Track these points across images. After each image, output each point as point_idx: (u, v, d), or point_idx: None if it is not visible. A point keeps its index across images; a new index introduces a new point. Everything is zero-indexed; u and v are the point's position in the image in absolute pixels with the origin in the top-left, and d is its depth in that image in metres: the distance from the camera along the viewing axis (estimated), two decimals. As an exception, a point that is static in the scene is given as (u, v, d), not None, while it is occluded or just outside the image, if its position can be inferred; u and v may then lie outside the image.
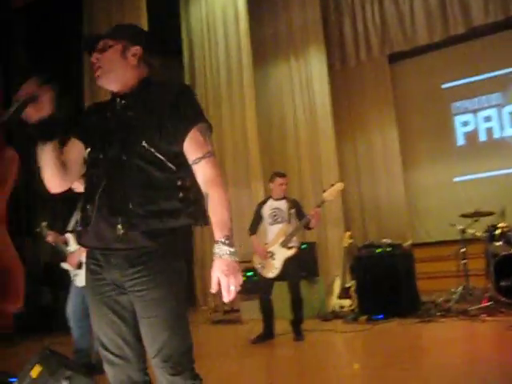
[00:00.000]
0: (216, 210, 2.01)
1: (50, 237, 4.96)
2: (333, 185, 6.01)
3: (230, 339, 6.73)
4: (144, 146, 2.00)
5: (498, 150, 9.71)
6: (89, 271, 2.12)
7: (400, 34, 10.08)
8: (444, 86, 10.38)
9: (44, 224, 5.00)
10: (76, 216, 4.82)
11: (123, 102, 2.11)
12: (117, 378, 2.07)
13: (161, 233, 1.99)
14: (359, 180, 10.61)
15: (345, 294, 7.29)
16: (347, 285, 7.33)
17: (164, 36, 9.67)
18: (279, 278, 6.04)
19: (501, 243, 6.86)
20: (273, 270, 5.96)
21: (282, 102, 10.36)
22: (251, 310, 7.50)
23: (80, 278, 4.69)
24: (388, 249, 6.95)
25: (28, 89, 1.96)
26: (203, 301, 9.85)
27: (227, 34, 9.85)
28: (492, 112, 10.08)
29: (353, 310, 7.09)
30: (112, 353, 2.06)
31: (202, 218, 2.09)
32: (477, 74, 9.96)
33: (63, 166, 2.10)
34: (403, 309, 6.54)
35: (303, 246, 7.51)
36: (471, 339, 5.47)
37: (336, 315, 7.14)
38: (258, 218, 6.28)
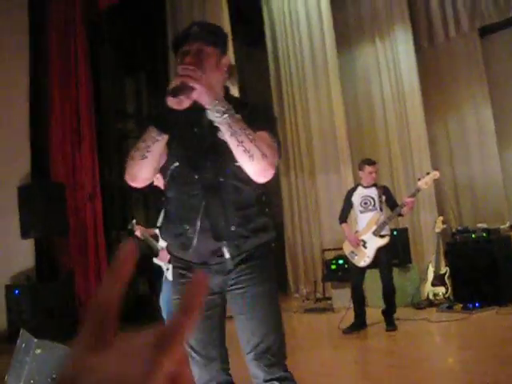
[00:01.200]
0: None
1: (138, 231, 5.11)
2: (428, 173, 5.82)
3: (321, 328, 6.72)
4: (237, 166, 1.95)
5: None
6: (177, 275, 2.18)
7: (491, 4, 9.60)
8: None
9: (134, 221, 5.17)
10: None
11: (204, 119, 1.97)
12: (202, 377, 2.10)
13: (259, 246, 2.09)
14: (452, 161, 10.24)
15: (439, 281, 7.08)
16: (441, 272, 7.12)
17: (246, 26, 9.74)
18: (371, 266, 5.96)
19: None
20: (365, 258, 5.87)
21: (369, 85, 10.14)
22: (343, 297, 7.45)
23: (171, 272, 4.82)
24: (484, 234, 6.68)
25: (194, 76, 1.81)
26: (295, 289, 9.89)
27: (309, 18, 9.72)
28: None
29: (447, 298, 6.90)
30: (198, 353, 2.08)
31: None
32: None
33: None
34: (502, 297, 6.28)
35: (395, 233, 7.36)
36: None
37: (430, 303, 6.96)
38: (348, 206, 6.19)
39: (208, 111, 1.84)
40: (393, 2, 9.84)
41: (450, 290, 6.93)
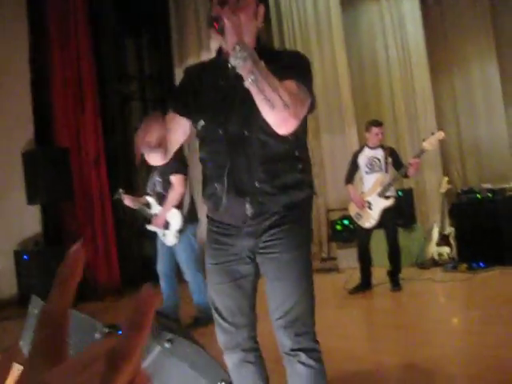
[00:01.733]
0: None
1: (127, 200, 5.11)
2: (433, 133, 5.76)
3: (327, 289, 6.77)
4: (265, 119, 1.82)
5: None
6: (211, 239, 2.12)
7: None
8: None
9: (121, 190, 5.15)
10: (153, 178, 4.97)
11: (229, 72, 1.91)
12: (227, 343, 2.10)
13: (290, 205, 2.00)
14: (458, 120, 10.15)
15: (444, 241, 7.12)
16: (446, 232, 7.15)
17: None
18: (376, 226, 5.98)
19: None
20: (370, 219, 5.89)
21: (374, 43, 9.99)
22: (348, 258, 7.52)
23: (169, 238, 4.86)
24: (489, 194, 6.68)
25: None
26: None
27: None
28: None
29: (452, 258, 6.94)
30: (225, 319, 2.08)
31: (314, 187, 2.13)
32: None
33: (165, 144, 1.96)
34: (506, 256, 6.31)
35: (400, 193, 7.36)
36: None
37: (435, 263, 7.02)
38: (354, 167, 6.16)
39: (230, 56, 1.72)
40: (398, -44, 9.63)
41: (454, 250, 6.97)
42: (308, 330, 2.01)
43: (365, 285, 6.02)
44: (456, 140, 10.06)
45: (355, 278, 6.11)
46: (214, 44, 2.02)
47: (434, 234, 7.22)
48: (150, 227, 5.05)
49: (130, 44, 9.81)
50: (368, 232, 6.02)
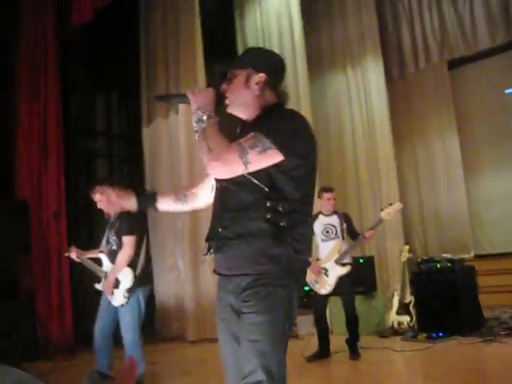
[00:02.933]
0: None
1: (73, 254, 4.97)
2: (391, 204, 5.85)
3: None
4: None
5: None
6: (217, 297, 2.22)
7: (460, 38, 9.84)
8: (507, 91, 10.01)
9: (72, 246, 5.04)
10: (108, 236, 4.87)
11: (238, 130, 2.24)
12: None
13: (259, 260, 2.01)
14: (419, 190, 10.34)
15: (404, 309, 7.11)
16: (406, 300, 7.15)
17: (219, 45, 9.75)
18: (333, 293, 5.95)
19: None
20: (326, 286, 5.88)
21: (340, 112, 10.22)
22: (308, 324, 7.42)
23: (117, 297, 4.68)
24: (448, 264, 6.74)
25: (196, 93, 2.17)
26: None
27: (282, 42, 9.75)
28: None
29: (412, 327, 6.92)
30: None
31: (306, 249, 2.12)
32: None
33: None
34: (465, 327, 6.33)
35: (361, 260, 7.38)
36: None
37: (394, 332, 6.97)
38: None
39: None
40: (365, 31, 9.96)
41: (414, 319, 6.95)
42: None
43: (323, 353, 5.92)
44: (418, 209, 10.22)
45: (314, 344, 6.01)
46: None
47: (395, 302, 7.21)
48: (98, 286, 4.88)
49: (100, 100, 9.84)
50: (324, 299, 6.00)
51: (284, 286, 2.02)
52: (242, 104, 2.19)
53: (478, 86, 10.25)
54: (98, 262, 4.96)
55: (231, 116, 2.27)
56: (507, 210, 9.43)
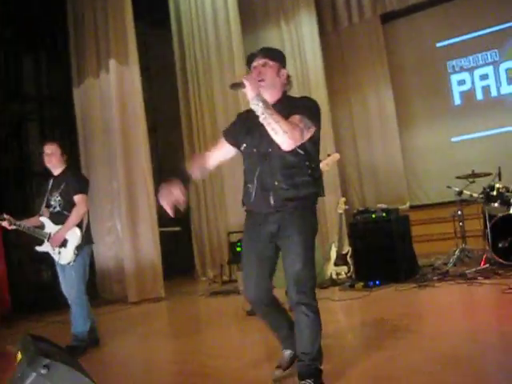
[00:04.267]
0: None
1: (6, 222, 4.82)
2: (329, 155, 5.88)
3: (228, 311, 6.69)
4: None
5: (495, 109, 9.57)
6: (246, 227, 3.18)
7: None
8: (438, 44, 10.20)
9: (5, 215, 4.88)
10: (52, 198, 4.79)
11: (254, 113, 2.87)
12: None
13: (299, 198, 2.98)
14: (355, 143, 10.49)
15: (341, 260, 7.24)
16: (344, 251, 7.28)
17: (151, 5, 9.50)
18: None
19: (497, 204, 6.80)
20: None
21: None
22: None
23: (65, 256, 4.71)
24: (383, 214, 6.87)
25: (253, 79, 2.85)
26: (202, 272, 9.85)
27: (215, -1, 9.61)
28: (488, 70, 9.91)
29: (350, 277, 7.07)
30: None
31: (323, 189, 3.18)
32: (472, 31, 9.75)
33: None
34: (400, 274, 6.50)
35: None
36: (469, 304, 5.43)
37: (333, 282, 7.10)
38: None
39: (250, 104, 2.78)
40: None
41: (352, 269, 7.10)
42: (307, 291, 3.01)
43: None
44: (354, 162, 10.37)
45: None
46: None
47: (332, 253, 7.33)
48: (41, 248, 4.82)
49: (28, 62, 9.43)
50: None
51: (314, 213, 3.13)
52: (273, 87, 3.01)
53: (411, 39, 10.39)
54: (40, 226, 4.88)
55: None
56: (440, 161, 9.67)
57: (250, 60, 3.10)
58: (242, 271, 3.23)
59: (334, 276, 7.19)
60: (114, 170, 8.22)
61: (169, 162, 10.67)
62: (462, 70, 10.07)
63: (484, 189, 6.94)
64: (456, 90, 10.15)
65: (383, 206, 7.15)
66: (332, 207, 8.67)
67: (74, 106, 8.90)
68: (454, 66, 10.13)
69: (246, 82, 2.78)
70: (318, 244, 7.96)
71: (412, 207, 9.68)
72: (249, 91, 2.77)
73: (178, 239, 10.35)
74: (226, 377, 3.69)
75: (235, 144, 3.20)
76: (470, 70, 9.99)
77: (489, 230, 6.54)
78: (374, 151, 10.27)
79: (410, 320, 4.81)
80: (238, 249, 8.03)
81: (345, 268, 7.20)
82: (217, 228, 9.66)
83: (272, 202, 2.97)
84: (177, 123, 10.21)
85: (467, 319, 4.73)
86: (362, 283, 6.58)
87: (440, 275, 6.49)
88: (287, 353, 3.40)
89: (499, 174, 7.00)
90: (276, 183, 2.97)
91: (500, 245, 6.49)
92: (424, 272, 6.88)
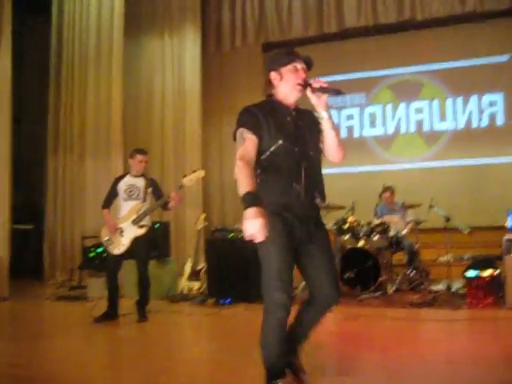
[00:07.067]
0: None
1: None
2: (195, 171, 5.93)
3: (73, 316, 6.47)
4: (319, 147, 3.04)
5: (356, 148, 10.11)
6: (281, 230, 2.87)
7: (276, 24, 10.23)
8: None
9: None
10: None
11: (294, 113, 3.01)
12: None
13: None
14: (221, 163, 10.63)
15: (195, 276, 7.28)
16: (198, 267, 7.33)
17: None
18: (127, 256, 5.88)
19: (348, 236, 7.19)
20: (120, 246, 5.79)
21: (152, 79, 10.12)
22: (99, 286, 7.31)
23: None
24: (240, 234, 7.01)
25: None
26: (50, 276, 9.43)
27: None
28: (354, 111, 10.51)
29: (202, 293, 7.11)
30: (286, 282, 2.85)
31: None
32: (344, 73, 10.27)
33: None
34: (251, 294, 6.62)
35: (157, 225, 7.38)
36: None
37: (185, 297, 7.10)
38: (112, 193, 6.07)
39: (322, 112, 2.92)
40: (187, 2, 9.98)
41: (204, 285, 7.14)
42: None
43: (111, 314, 5.83)
44: (218, 181, 10.50)
45: (103, 306, 5.90)
46: (295, 95, 2.99)
47: (187, 268, 7.35)
48: None
49: None
50: (118, 260, 5.88)
51: None
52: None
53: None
54: None
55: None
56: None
57: (310, 65, 3.05)
58: (276, 276, 2.88)
59: (186, 291, 7.20)
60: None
61: (29, 154, 10.22)
62: (331, 107, 10.53)
63: (337, 221, 7.32)
64: (323, 126, 10.62)
65: (240, 226, 7.28)
66: (192, 222, 8.70)
67: None
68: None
69: (322, 95, 2.88)
70: (174, 258, 7.99)
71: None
72: (322, 103, 2.89)
73: (28, 238, 9.88)
74: (66, 383, 3.56)
75: (257, 137, 2.90)
76: (339, 109, 10.53)
77: (339, 259, 6.89)
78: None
79: (255, 338, 4.92)
80: (92, 254, 7.82)
81: (198, 284, 7.23)
82: (71, 230, 9.33)
83: (317, 201, 3.00)
84: (43, 116, 9.81)
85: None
86: (213, 300, 6.64)
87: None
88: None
89: (352, 208, 7.43)
90: (317, 185, 3.00)
91: (347, 275, 6.85)
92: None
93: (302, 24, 10.02)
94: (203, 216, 7.45)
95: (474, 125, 9.75)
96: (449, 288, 6.72)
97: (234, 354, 4.25)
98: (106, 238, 5.88)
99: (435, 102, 10.04)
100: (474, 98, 9.78)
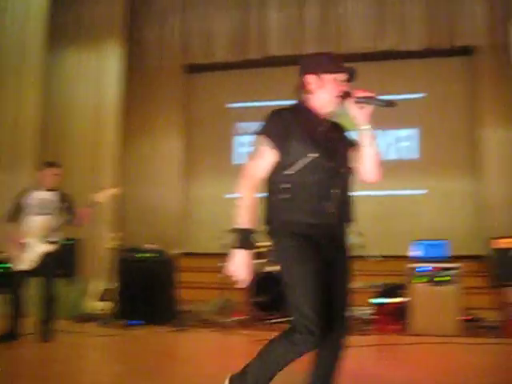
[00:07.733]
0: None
1: None
2: (107, 188, 5.82)
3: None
4: (349, 166, 2.73)
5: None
6: (309, 248, 2.56)
7: (201, 47, 10.27)
8: (229, 105, 10.73)
9: None
10: None
11: (327, 124, 2.71)
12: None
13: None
14: (139, 184, 10.44)
15: (104, 296, 7.09)
16: (108, 287, 7.13)
17: None
18: (33, 273, 5.62)
19: (263, 261, 7.22)
20: (26, 262, 5.55)
21: (71, 91, 9.80)
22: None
23: None
24: (151, 254, 6.91)
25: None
26: None
27: (26, 12, 9.07)
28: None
29: (109, 314, 6.90)
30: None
31: None
32: (263, 100, 10.37)
33: None
34: (159, 316, 6.55)
35: (65, 243, 7.13)
36: (221, 350, 5.63)
37: (91, 317, 6.88)
38: (19, 206, 5.78)
39: (364, 125, 2.65)
40: (113, 15, 9.81)
41: (113, 306, 6.94)
42: None
43: (12, 334, 5.53)
44: (135, 201, 10.30)
45: (2, 326, 5.59)
46: (333, 106, 2.71)
47: (95, 288, 7.14)
48: None
49: None
50: (23, 277, 5.62)
51: None
52: None
53: (209, 95, 10.80)
54: None
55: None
56: (215, 213, 10.01)
57: (354, 77, 2.75)
58: (310, 297, 2.48)
59: (94, 311, 6.99)
60: None
61: None
62: (246, 133, 10.56)
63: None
64: (237, 151, 10.65)
65: (153, 246, 7.16)
66: (103, 241, 8.46)
67: None
68: (241, 128, 10.66)
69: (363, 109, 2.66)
70: (82, 277, 7.72)
71: (186, 254, 9.81)
72: (369, 109, 2.65)
73: None
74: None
75: (281, 149, 2.60)
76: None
77: (253, 283, 6.87)
78: (157, 194, 10.30)
79: (161, 361, 4.83)
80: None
81: (105, 304, 7.03)
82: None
83: (345, 223, 2.72)
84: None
85: (218, 364, 4.86)
86: (121, 321, 6.48)
87: (199, 321, 6.67)
88: None
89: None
90: (347, 205, 2.69)
91: (259, 299, 6.85)
92: (184, 317, 6.98)
93: (226, 49, 10.11)
94: (113, 235, 7.28)
95: (389, 157, 10.07)
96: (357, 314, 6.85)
97: (140, 375, 4.14)
98: (12, 253, 5.61)
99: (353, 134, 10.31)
100: (391, 132, 10.12)
